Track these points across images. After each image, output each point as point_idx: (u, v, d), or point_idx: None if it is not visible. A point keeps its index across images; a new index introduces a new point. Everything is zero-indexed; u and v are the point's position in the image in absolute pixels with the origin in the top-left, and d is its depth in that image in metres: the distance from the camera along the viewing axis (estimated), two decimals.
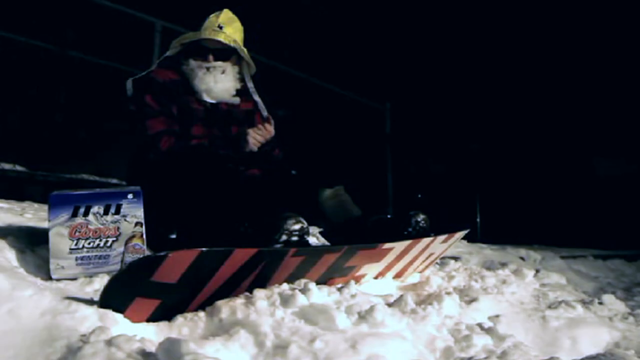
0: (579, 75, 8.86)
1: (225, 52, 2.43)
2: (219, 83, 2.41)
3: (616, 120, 8.76)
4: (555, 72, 9.05)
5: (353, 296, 1.68)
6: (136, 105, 2.31)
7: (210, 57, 2.40)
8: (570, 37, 8.86)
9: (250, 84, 2.58)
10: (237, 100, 2.49)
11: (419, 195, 8.59)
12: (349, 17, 8.80)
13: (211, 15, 2.45)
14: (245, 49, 2.49)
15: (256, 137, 2.33)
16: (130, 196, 1.81)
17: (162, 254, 1.38)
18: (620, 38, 8.63)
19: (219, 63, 2.42)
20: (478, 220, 7.66)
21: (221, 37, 2.37)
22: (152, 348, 1.23)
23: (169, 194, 2.09)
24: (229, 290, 1.57)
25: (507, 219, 7.99)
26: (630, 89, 8.63)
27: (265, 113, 2.57)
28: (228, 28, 2.42)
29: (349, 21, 8.79)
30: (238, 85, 2.51)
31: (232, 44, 2.40)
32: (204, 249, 1.45)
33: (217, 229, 2.00)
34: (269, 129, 2.37)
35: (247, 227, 1.98)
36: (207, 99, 2.41)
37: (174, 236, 2.24)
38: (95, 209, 1.77)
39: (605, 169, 8.82)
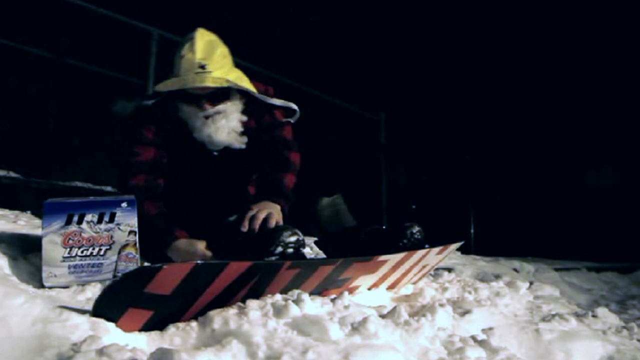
0: (571, 87, 8.94)
1: (221, 93, 2.12)
2: (220, 130, 2.14)
3: (608, 132, 8.81)
4: (548, 84, 9.13)
5: (346, 307, 1.68)
6: (131, 130, 2.17)
7: (206, 105, 2.10)
8: (562, 50, 8.93)
9: (260, 97, 2.25)
10: (244, 141, 2.21)
11: (413, 206, 8.60)
12: (344, 27, 8.85)
13: (184, 50, 2.07)
14: (242, 75, 2.19)
15: (245, 225, 2.03)
16: (124, 205, 1.81)
17: (156, 265, 1.38)
18: (610, 52, 8.70)
19: (219, 108, 2.13)
20: (472, 231, 7.66)
21: (209, 83, 2.03)
22: (143, 358, 1.22)
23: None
24: (222, 302, 1.56)
25: (500, 230, 8.00)
26: (622, 101, 8.70)
27: (290, 105, 2.31)
28: (212, 64, 2.05)
29: (344, 31, 8.84)
30: (244, 118, 2.22)
31: (225, 85, 2.07)
32: (198, 261, 1.45)
33: (214, 239, 2.00)
34: (260, 218, 2.03)
35: (242, 239, 1.98)
36: (211, 148, 2.18)
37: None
38: (89, 217, 1.77)
39: (596, 181, 8.86)
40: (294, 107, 2.32)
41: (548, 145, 9.19)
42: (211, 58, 2.06)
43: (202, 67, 2.03)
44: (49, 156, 5.19)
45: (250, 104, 2.25)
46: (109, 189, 4.48)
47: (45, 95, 5.47)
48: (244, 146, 2.22)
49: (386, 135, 7.44)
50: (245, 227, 2.00)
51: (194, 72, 2.03)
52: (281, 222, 2.05)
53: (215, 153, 2.22)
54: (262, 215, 2.01)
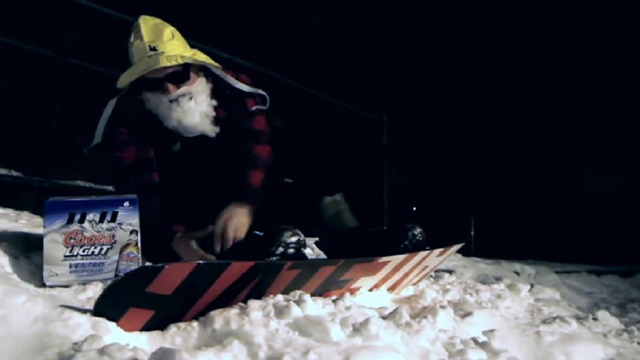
0: (572, 91, 8.94)
1: (181, 72, 2.05)
2: (189, 114, 2.07)
3: (610, 136, 8.81)
4: (549, 88, 9.13)
5: (348, 308, 1.68)
6: (107, 139, 2.13)
7: (169, 88, 2.03)
8: (563, 54, 8.93)
9: (228, 79, 2.18)
10: (215, 130, 2.15)
11: (414, 208, 8.60)
12: (346, 28, 8.85)
13: (132, 37, 2.03)
14: (197, 52, 2.11)
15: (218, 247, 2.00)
16: (126, 204, 1.81)
17: (158, 265, 1.38)
18: (610, 55, 8.70)
19: (182, 89, 2.05)
20: (472, 233, 7.66)
21: (163, 63, 1.97)
22: (144, 357, 1.22)
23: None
24: (224, 302, 1.56)
25: (501, 233, 8.00)
26: (622, 105, 8.70)
27: (259, 91, 2.23)
28: (162, 44, 2.00)
29: (346, 33, 8.84)
30: (215, 102, 2.16)
31: (180, 61, 2.00)
32: (200, 261, 1.45)
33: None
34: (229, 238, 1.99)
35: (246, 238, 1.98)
36: (186, 134, 2.12)
37: None
38: (90, 216, 1.77)
39: (597, 184, 8.86)
40: (263, 93, 2.24)
41: (549, 149, 9.19)
42: (160, 39, 2.01)
43: (154, 49, 1.99)
44: (51, 155, 5.19)
45: (218, 90, 2.18)
46: (110, 188, 4.47)
47: (48, 94, 5.47)
48: (213, 135, 2.15)
49: (388, 136, 7.45)
50: (218, 249, 1.98)
51: (146, 56, 1.99)
52: (244, 231, 2.01)
53: (186, 144, 2.15)
54: (230, 235, 1.97)
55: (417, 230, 2.24)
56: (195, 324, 1.50)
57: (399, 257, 2.10)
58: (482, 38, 9.26)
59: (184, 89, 2.06)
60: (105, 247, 1.77)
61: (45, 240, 1.73)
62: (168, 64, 1.98)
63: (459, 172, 8.71)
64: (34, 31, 5.05)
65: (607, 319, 2.47)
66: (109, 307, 1.39)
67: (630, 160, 8.71)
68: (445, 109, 9.52)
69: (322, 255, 2.59)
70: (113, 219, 1.78)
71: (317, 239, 2.54)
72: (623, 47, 8.57)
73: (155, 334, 1.46)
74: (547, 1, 8.89)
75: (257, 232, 2.12)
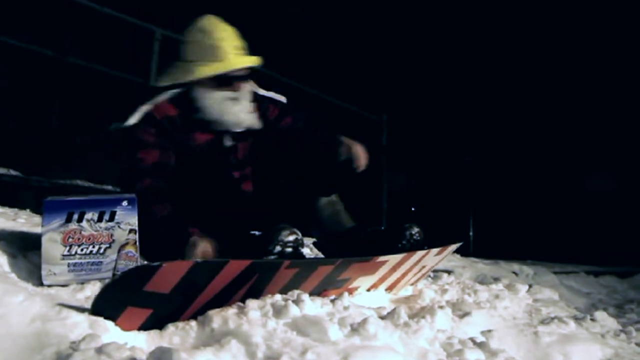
0: (571, 91, 8.94)
1: (245, 75, 2.22)
2: (245, 111, 2.22)
3: (608, 137, 8.82)
4: (548, 88, 9.13)
5: (346, 308, 1.68)
6: (131, 136, 2.14)
7: (239, 86, 2.19)
8: (563, 54, 8.94)
9: (257, 90, 2.38)
10: (257, 122, 2.30)
11: (413, 208, 8.60)
12: (346, 28, 8.85)
13: (218, 35, 2.14)
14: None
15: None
16: (124, 203, 1.81)
17: (155, 264, 1.38)
18: (610, 56, 8.71)
19: (244, 89, 2.22)
20: (471, 234, 7.67)
21: (250, 63, 2.19)
22: (142, 357, 1.22)
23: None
24: (222, 301, 1.56)
25: (499, 233, 8.01)
26: (621, 106, 8.71)
27: (281, 99, 2.41)
28: (240, 45, 2.18)
29: (346, 33, 8.84)
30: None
31: (257, 64, 2.22)
32: (197, 260, 1.45)
33: (215, 239, 2.00)
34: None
35: (244, 237, 1.98)
36: (236, 129, 2.25)
37: None
38: (89, 215, 1.76)
39: (596, 185, 8.86)
40: (282, 99, 2.41)
41: (548, 149, 9.19)
42: (237, 40, 2.18)
43: (239, 49, 2.17)
44: (50, 155, 5.18)
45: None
46: (109, 187, 4.48)
47: (48, 93, 5.46)
48: (258, 128, 2.30)
49: (388, 136, 7.45)
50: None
51: (233, 54, 2.14)
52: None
53: (228, 144, 2.27)
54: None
55: (415, 230, 2.25)
56: (193, 323, 1.51)
57: (397, 257, 2.10)
58: (483, 40, 9.26)
59: (244, 88, 2.22)
60: (103, 246, 1.77)
61: (44, 240, 1.72)
62: (250, 65, 2.18)
63: (458, 173, 8.70)
64: (34, 30, 5.04)
65: (605, 320, 2.47)
66: (107, 306, 1.39)
67: (628, 161, 8.71)
68: (444, 110, 9.52)
69: (320, 255, 2.59)
70: (111, 218, 1.78)
71: (315, 239, 2.54)
72: (622, 47, 8.57)
73: (154, 333, 1.46)
74: (547, 3, 8.89)
75: (255, 232, 2.12)
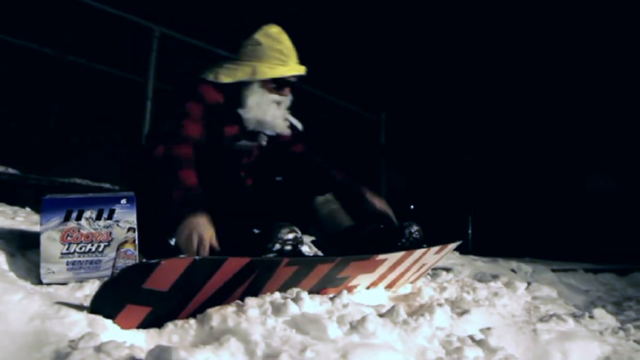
0: (569, 90, 8.94)
1: (295, 82, 2.38)
2: (282, 117, 2.36)
3: (607, 136, 8.82)
4: (547, 87, 9.13)
5: (345, 306, 1.68)
6: (179, 103, 2.23)
7: (287, 91, 2.35)
8: (562, 53, 8.94)
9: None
10: (288, 131, 2.44)
11: (412, 207, 8.60)
12: (346, 28, 8.85)
13: (284, 41, 2.33)
14: None
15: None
16: (123, 201, 1.81)
17: (154, 261, 1.38)
18: (610, 57, 8.71)
19: (289, 96, 2.38)
20: (470, 232, 7.67)
21: (303, 71, 2.35)
22: (141, 355, 1.22)
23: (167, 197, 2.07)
24: (221, 299, 1.56)
25: (498, 231, 8.01)
26: (619, 104, 8.71)
27: (298, 125, 2.50)
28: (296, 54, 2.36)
29: (345, 32, 8.84)
30: None
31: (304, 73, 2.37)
32: (196, 257, 1.45)
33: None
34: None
35: (242, 236, 1.98)
36: (269, 132, 2.36)
37: (173, 241, 2.23)
38: (87, 213, 1.76)
39: (595, 185, 8.87)
40: (299, 125, 2.50)
41: (547, 148, 9.20)
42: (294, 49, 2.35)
43: (297, 57, 2.35)
44: (49, 153, 5.18)
45: None
46: (107, 186, 4.47)
47: (47, 92, 5.45)
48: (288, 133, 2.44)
49: (387, 135, 7.45)
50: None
51: (295, 61, 2.33)
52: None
53: (263, 143, 2.40)
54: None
55: (414, 228, 2.25)
56: (192, 321, 1.50)
57: (397, 255, 2.10)
58: (483, 39, 9.25)
59: (289, 95, 2.38)
60: (102, 245, 1.77)
61: (42, 238, 1.72)
62: (303, 73, 2.36)
63: (457, 171, 8.71)
64: (33, 29, 5.03)
65: (604, 317, 2.47)
66: (106, 304, 1.39)
67: (626, 160, 8.72)
68: (443, 109, 9.52)
69: (320, 253, 2.59)
70: (110, 217, 1.78)
71: (314, 237, 2.55)
72: (622, 48, 8.57)
73: (153, 331, 1.46)
74: (547, 3, 8.89)
75: (255, 230, 2.12)
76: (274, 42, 2.30)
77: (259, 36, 2.31)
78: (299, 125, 2.48)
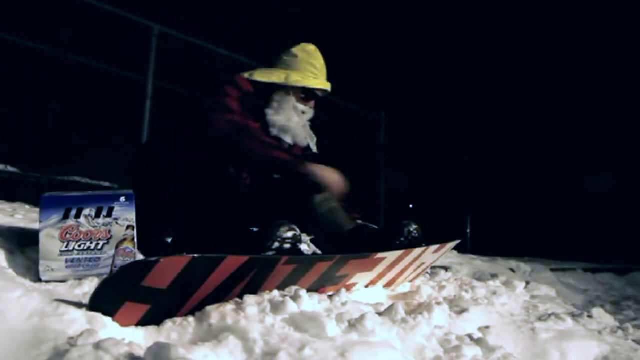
0: (568, 90, 8.94)
1: (320, 97, 2.52)
2: (302, 127, 2.47)
3: (607, 136, 8.83)
4: (547, 87, 9.13)
5: (344, 304, 1.68)
6: (216, 87, 2.29)
7: (312, 104, 2.49)
8: (562, 54, 8.94)
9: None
10: (305, 143, 2.52)
11: (410, 206, 8.60)
12: (345, 28, 8.84)
13: (318, 57, 2.51)
14: None
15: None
16: (122, 199, 1.80)
17: (153, 259, 1.38)
18: (609, 57, 8.71)
19: (312, 110, 2.50)
20: (468, 231, 7.67)
21: (330, 87, 2.50)
22: (140, 352, 1.22)
23: (168, 195, 2.08)
24: (219, 297, 1.56)
25: (497, 230, 8.01)
26: (619, 104, 8.72)
27: (314, 147, 2.58)
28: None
29: (345, 32, 8.83)
30: None
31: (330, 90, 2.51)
32: (195, 255, 1.45)
33: (212, 235, 2.00)
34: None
35: (242, 234, 1.98)
36: (286, 139, 2.44)
37: (169, 240, 2.23)
38: (87, 211, 1.76)
39: (595, 185, 8.87)
40: (314, 148, 2.58)
41: (546, 148, 9.20)
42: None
43: (326, 76, 2.52)
44: (48, 151, 5.18)
45: None
46: (107, 184, 4.47)
47: (46, 91, 5.45)
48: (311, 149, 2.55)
49: (386, 134, 7.44)
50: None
51: (325, 78, 2.52)
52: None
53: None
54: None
55: (413, 227, 2.25)
56: (191, 319, 1.51)
57: (395, 254, 2.10)
58: (483, 39, 9.25)
59: (313, 109, 2.52)
60: (101, 242, 1.77)
61: (41, 236, 1.72)
62: (329, 90, 2.52)
63: (456, 171, 8.72)
64: (32, 27, 5.03)
65: (602, 317, 2.47)
66: (105, 301, 1.39)
67: (625, 160, 8.72)
68: (443, 108, 9.52)
69: (318, 252, 2.59)
70: (109, 214, 1.78)
71: (312, 236, 2.54)
72: (622, 48, 8.57)
73: (151, 328, 1.46)
74: (547, 3, 8.89)
75: (253, 228, 2.12)
76: (309, 57, 2.48)
77: (296, 50, 2.50)
78: (314, 147, 2.56)
